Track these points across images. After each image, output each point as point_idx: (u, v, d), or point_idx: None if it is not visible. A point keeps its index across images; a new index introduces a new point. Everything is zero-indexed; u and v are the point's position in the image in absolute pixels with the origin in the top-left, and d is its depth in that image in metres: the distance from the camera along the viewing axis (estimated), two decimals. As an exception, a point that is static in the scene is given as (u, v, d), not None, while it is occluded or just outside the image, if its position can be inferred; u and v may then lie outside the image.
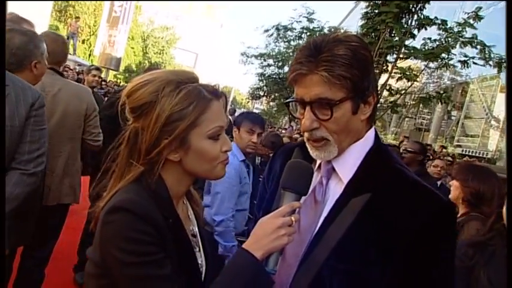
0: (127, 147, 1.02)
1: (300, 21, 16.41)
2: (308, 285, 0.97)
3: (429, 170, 4.82)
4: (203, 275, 1.10)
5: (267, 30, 17.04)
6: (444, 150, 13.22)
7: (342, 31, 1.04)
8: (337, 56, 0.95)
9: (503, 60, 7.00)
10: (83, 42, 28.59)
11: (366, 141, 1.06)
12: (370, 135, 1.07)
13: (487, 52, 7.11)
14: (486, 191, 2.37)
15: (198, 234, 1.14)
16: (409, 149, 4.06)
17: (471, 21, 7.19)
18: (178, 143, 0.98)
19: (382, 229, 0.95)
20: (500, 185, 2.35)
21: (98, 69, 5.38)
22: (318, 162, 1.11)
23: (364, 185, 1.00)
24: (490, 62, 7.21)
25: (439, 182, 4.65)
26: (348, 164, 1.04)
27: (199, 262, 1.09)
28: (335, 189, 1.05)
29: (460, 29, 7.21)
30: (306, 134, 1.04)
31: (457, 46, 7.30)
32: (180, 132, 0.97)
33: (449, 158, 7.97)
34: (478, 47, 7.14)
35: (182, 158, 1.00)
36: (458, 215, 2.52)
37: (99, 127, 2.81)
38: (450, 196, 2.61)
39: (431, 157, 8.30)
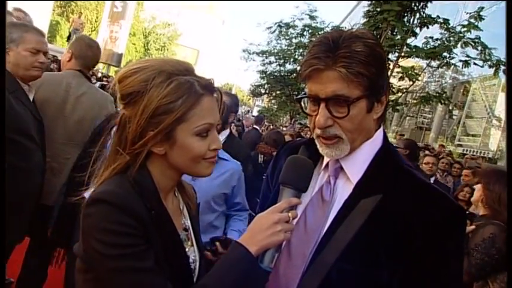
0: (116, 134, 1.00)
1: (302, 19, 16.38)
2: (317, 286, 0.95)
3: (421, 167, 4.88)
4: (196, 270, 1.08)
5: (269, 28, 16.99)
6: (443, 149, 13.21)
7: (346, 28, 1.03)
8: (356, 52, 0.93)
9: (502, 63, 7.00)
10: (84, 37, 28.54)
11: (375, 141, 1.05)
12: (379, 135, 1.06)
13: (487, 54, 7.09)
14: (505, 196, 2.38)
15: (190, 228, 1.12)
16: (395, 145, 4.19)
17: (473, 20, 7.15)
18: (164, 137, 0.96)
19: (393, 231, 0.94)
20: None
21: None
22: (326, 161, 1.09)
23: (374, 186, 0.99)
24: (489, 63, 7.18)
25: (432, 179, 4.71)
26: (357, 164, 1.03)
27: (192, 257, 1.07)
28: (343, 189, 1.04)
29: (463, 30, 7.17)
30: (317, 131, 1.01)
31: (459, 46, 7.28)
32: (165, 126, 0.94)
33: (449, 158, 7.95)
34: (479, 48, 7.11)
35: (167, 152, 0.98)
36: (479, 215, 2.57)
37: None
38: (474, 199, 2.66)
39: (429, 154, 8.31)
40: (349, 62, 0.92)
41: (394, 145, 4.12)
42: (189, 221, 1.13)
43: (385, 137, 1.07)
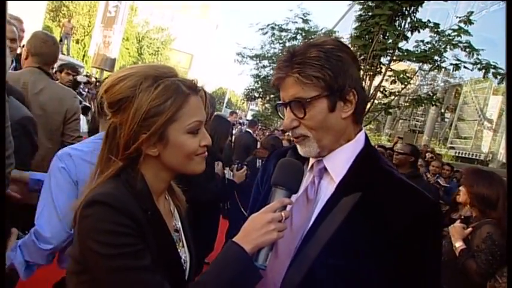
0: (106, 143, 1.03)
1: (296, 22, 16.49)
2: (300, 281, 1.00)
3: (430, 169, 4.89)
4: (187, 270, 1.10)
5: (262, 29, 17.05)
6: (426, 148, 13.29)
7: (335, 34, 1.10)
8: (309, 58, 1.03)
9: (491, 66, 7.13)
10: (77, 42, 28.47)
11: (357, 143, 1.11)
12: (361, 137, 1.12)
13: (474, 56, 7.21)
14: (490, 195, 2.46)
15: (181, 230, 1.15)
16: (400, 151, 4.12)
17: (462, 24, 7.26)
18: (157, 138, 0.99)
19: (372, 227, 0.99)
20: (505, 190, 2.41)
21: None
22: (311, 162, 1.15)
23: (354, 185, 1.04)
24: (478, 66, 7.30)
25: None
26: (340, 164, 1.09)
27: (183, 257, 1.10)
28: (327, 188, 1.09)
29: (453, 34, 7.28)
30: (289, 133, 1.12)
31: (448, 48, 7.38)
32: (158, 127, 0.97)
33: (440, 161, 8.00)
34: (467, 49, 7.23)
35: (160, 153, 1.01)
36: (473, 217, 2.62)
37: (79, 131, 2.81)
38: (460, 200, 2.72)
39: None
40: (302, 67, 1.03)
41: (398, 151, 4.14)
42: (179, 223, 1.16)
43: (366, 139, 1.14)
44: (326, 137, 1.07)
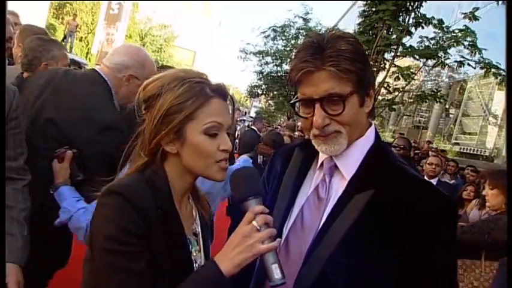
0: (140, 139, 1.07)
1: (296, 22, 16.43)
2: (313, 282, 0.98)
3: (424, 168, 4.91)
4: None
5: (263, 32, 17.01)
6: (431, 145, 13.18)
7: (339, 30, 1.07)
8: (341, 51, 0.97)
9: (493, 67, 7.09)
10: (81, 40, 28.50)
11: (367, 139, 1.08)
12: (371, 132, 1.09)
13: (477, 55, 7.18)
14: None
15: (200, 234, 1.15)
16: (401, 146, 4.15)
17: (467, 20, 7.23)
18: (175, 135, 1.01)
19: (385, 225, 0.96)
20: None
21: None
22: (320, 160, 1.12)
23: (366, 182, 1.02)
24: (481, 64, 7.27)
25: (434, 180, 4.65)
26: (350, 161, 1.06)
27: (198, 262, 1.09)
28: (338, 186, 1.06)
29: (459, 35, 7.24)
30: (315, 131, 1.03)
31: (451, 45, 7.36)
32: (176, 124, 1.00)
33: (434, 154, 7.91)
34: (470, 48, 7.20)
35: (179, 151, 1.03)
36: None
37: None
38: (492, 204, 2.73)
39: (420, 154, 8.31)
40: (337, 60, 0.96)
41: (400, 146, 4.16)
42: (199, 228, 1.16)
43: (376, 134, 1.11)
44: (355, 133, 1.05)
